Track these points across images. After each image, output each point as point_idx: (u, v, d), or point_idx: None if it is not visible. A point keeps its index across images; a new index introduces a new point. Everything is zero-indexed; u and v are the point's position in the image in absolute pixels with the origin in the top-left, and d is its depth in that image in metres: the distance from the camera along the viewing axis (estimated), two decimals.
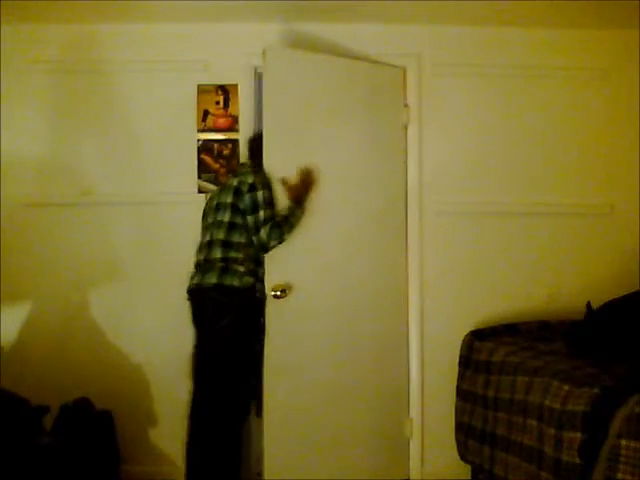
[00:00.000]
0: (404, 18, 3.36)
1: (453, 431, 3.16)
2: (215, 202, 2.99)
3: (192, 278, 2.96)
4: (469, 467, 3.13)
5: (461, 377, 3.14)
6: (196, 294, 2.92)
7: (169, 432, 3.34)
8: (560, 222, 3.49)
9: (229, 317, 2.85)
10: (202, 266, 2.92)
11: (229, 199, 2.92)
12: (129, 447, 3.25)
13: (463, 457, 3.08)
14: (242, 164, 3.23)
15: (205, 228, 3.03)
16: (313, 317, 3.13)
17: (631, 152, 3.50)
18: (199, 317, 2.92)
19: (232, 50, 3.40)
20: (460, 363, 3.17)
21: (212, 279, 2.85)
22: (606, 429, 2.07)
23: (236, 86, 3.40)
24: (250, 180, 2.90)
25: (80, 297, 3.35)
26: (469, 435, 3.00)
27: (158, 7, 3.19)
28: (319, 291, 3.17)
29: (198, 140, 3.38)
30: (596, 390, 2.19)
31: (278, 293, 2.97)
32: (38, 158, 3.38)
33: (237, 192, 2.90)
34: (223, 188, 3.01)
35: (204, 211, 3.11)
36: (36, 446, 2.60)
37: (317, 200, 3.14)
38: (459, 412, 3.11)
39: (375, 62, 3.41)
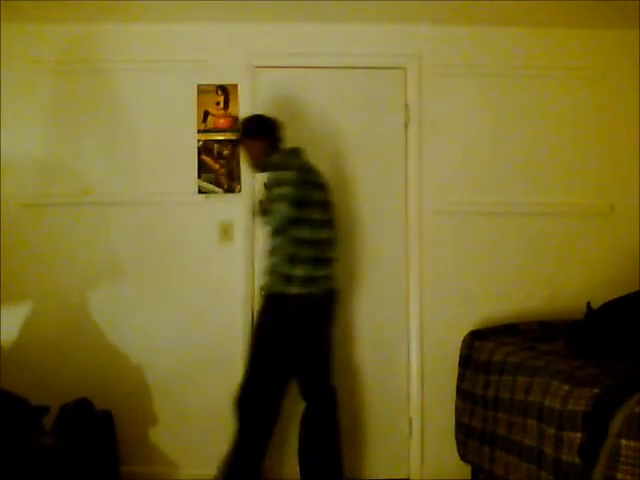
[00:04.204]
0: (404, 18, 3.36)
1: (453, 431, 3.16)
2: (330, 197, 2.95)
3: (332, 278, 2.90)
4: (469, 467, 3.13)
5: (461, 377, 3.14)
6: (336, 296, 2.96)
7: (169, 432, 3.34)
8: (560, 222, 3.48)
9: None
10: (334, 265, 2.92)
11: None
12: (129, 447, 3.25)
13: (463, 457, 3.08)
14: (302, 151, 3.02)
15: (333, 223, 2.94)
16: None
17: (631, 152, 3.50)
18: (332, 322, 2.95)
19: (232, 50, 3.40)
20: (460, 363, 3.16)
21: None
22: (606, 429, 2.07)
23: (236, 86, 3.40)
24: None
25: (80, 297, 3.35)
26: (469, 435, 3.00)
27: (158, 7, 3.18)
28: None
29: (198, 141, 3.38)
30: (596, 390, 2.19)
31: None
32: (38, 158, 3.38)
33: None
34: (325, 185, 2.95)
35: (327, 201, 2.93)
36: (36, 446, 2.59)
37: None
38: (459, 412, 3.11)
39: (373, 68, 3.43)
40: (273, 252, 2.83)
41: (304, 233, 2.76)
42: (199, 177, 3.38)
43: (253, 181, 3.37)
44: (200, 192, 3.38)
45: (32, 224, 3.36)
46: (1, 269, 3.28)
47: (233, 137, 3.37)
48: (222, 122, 3.39)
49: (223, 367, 3.34)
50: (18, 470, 2.44)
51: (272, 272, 2.81)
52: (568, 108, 3.50)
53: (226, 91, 3.40)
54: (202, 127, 3.39)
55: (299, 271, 2.74)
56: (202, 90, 3.39)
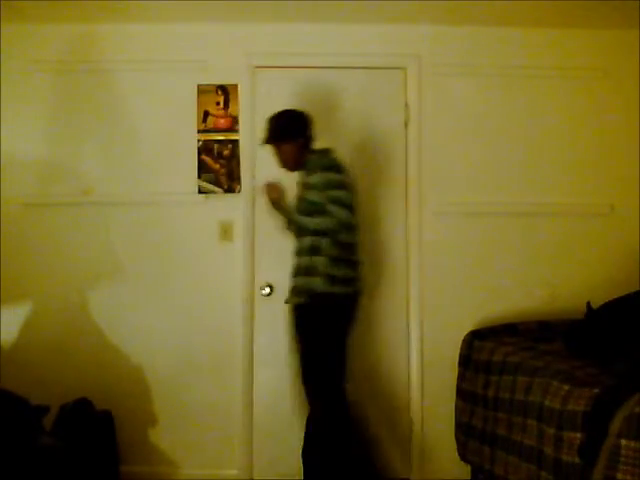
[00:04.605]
0: (404, 18, 3.36)
1: (453, 431, 3.16)
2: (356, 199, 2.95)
3: (361, 280, 2.92)
4: (469, 467, 3.13)
5: (461, 377, 3.14)
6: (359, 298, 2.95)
7: (169, 432, 3.34)
8: (560, 222, 3.48)
9: None
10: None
11: None
12: (129, 447, 3.25)
13: (463, 457, 3.08)
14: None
15: (358, 226, 2.95)
16: None
17: (631, 152, 3.50)
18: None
19: (232, 50, 3.40)
20: (460, 363, 3.17)
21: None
22: (606, 429, 2.07)
23: (236, 86, 3.40)
24: None
25: (80, 297, 3.35)
26: (469, 435, 3.00)
27: (158, 7, 3.19)
28: None
29: (198, 141, 3.38)
30: (596, 390, 2.20)
31: (267, 291, 3.24)
32: (38, 158, 3.38)
33: None
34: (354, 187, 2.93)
35: (355, 204, 2.92)
36: (36, 446, 2.59)
37: None
38: (459, 412, 3.11)
39: (373, 68, 3.44)
40: (312, 252, 2.82)
41: (345, 236, 2.83)
42: (199, 177, 3.38)
43: (253, 181, 3.37)
44: (200, 192, 3.38)
45: (32, 224, 3.36)
46: (1, 269, 3.28)
47: (233, 137, 3.37)
48: (222, 122, 3.39)
49: (223, 367, 3.35)
50: (18, 470, 2.44)
51: (313, 272, 2.80)
52: (568, 108, 3.50)
53: (226, 91, 3.40)
54: (202, 127, 3.39)
55: (341, 272, 2.81)
56: (202, 90, 3.39)
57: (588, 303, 2.81)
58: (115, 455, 3.13)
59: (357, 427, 2.95)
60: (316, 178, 2.81)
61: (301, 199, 2.87)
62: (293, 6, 3.18)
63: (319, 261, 2.80)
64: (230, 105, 3.39)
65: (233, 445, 3.33)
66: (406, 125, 3.44)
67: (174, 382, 3.34)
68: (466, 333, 3.21)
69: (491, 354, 2.94)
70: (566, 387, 2.30)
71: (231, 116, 3.39)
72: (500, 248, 3.45)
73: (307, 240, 2.84)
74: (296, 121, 2.96)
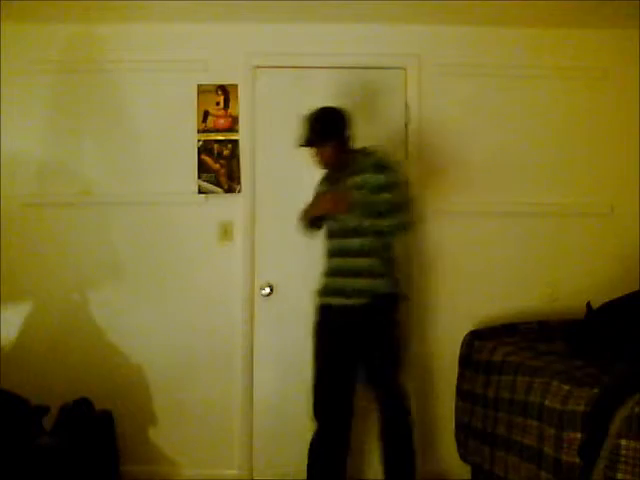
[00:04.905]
0: (404, 18, 3.36)
1: (453, 431, 3.16)
2: None
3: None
4: (469, 467, 3.13)
5: (461, 377, 3.14)
6: None
7: (169, 432, 3.34)
8: (560, 222, 3.48)
9: None
10: None
11: None
12: (129, 447, 3.25)
13: (463, 457, 3.08)
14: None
15: None
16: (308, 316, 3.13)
17: (631, 152, 3.49)
18: None
19: (232, 50, 3.40)
20: (460, 363, 3.17)
21: None
22: (606, 429, 2.07)
23: (236, 86, 3.40)
24: None
25: (80, 297, 3.35)
26: (469, 435, 3.00)
27: (158, 7, 3.19)
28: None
29: (198, 141, 3.38)
30: (596, 390, 2.20)
31: (267, 291, 3.23)
32: (38, 158, 3.38)
33: None
34: None
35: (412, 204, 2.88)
36: (36, 446, 2.60)
37: None
38: (459, 412, 3.11)
39: (373, 68, 3.44)
40: (364, 254, 2.76)
41: (393, 237, 2.84)
42: (199, 177, 3.38)
43: (253, 181, 3.37)
44: (200, 192, 3.38)
45: (32, 224, 3.36)
46: (1, 269, 3.28)
47: (233, 137, 3.38)
48: (222, 122, 3.39)
49: (223, 367, 3.35)
50: (18, 470, 2.44)
51: (367, 274, 2.76)
52: (567, 108, 3.50)
53: (226, 91, 3.40)
54: (202, 127, 3.39)
55: (396, 272, 2.85)
56: (202, 90, 3.39)
57: (588, 303, 2.82)
58: (115, 455, 3.13)
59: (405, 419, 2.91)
60: (367, 179, 2.73)
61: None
62: (293, 6, 3.18)
63: (374, 262, 2.76)
64: (230, 105, 3.39)
65: (233, 445, 3.34)
66: (406, 125, 3.44)
67: (174, 382, 3.34)
68: (466, 333, 3.21)
69: (491, 354, 2.94)
70: (566, 387, 2.30)
71: (231, 116, 3.39)
72: (500, 248, 3.45)
73: (355, 242, 2.75)
74: (337, 121, 2.85)
